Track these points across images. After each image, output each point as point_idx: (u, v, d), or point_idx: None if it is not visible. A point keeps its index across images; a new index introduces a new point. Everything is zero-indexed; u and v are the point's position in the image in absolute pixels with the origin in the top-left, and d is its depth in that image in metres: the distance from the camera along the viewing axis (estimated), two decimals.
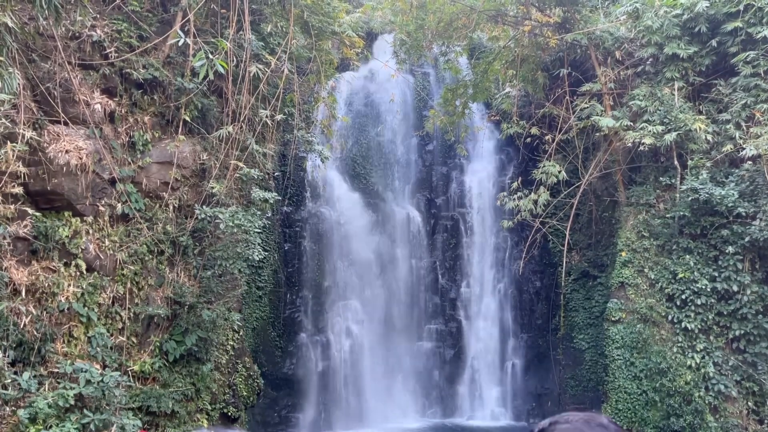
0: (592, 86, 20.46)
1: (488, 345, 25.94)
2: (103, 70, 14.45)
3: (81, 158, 13.34)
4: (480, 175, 27.41)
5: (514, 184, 21.13)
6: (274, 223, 22.94)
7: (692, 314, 17.90)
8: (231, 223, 14.98)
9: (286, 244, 24.56)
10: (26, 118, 12.63)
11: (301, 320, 24.36)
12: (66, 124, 13.51)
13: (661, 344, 18.09)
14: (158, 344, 14.83)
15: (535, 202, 20.18)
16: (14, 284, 12.28)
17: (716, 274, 17.76)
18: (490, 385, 25.66)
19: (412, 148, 27.89)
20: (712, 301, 17.74)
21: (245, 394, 18.26)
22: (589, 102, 20.44)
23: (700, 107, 19.03)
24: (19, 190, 12.58)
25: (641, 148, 18.36)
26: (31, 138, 12.52)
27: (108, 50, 14.49)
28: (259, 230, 16.00)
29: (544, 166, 20.49)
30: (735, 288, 17.41)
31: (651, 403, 18.01)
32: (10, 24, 10.08)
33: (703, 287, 17.71)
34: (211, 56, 12.28)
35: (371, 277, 25.74)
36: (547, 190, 20.23)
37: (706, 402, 17.25)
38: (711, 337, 17.75)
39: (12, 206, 12.45)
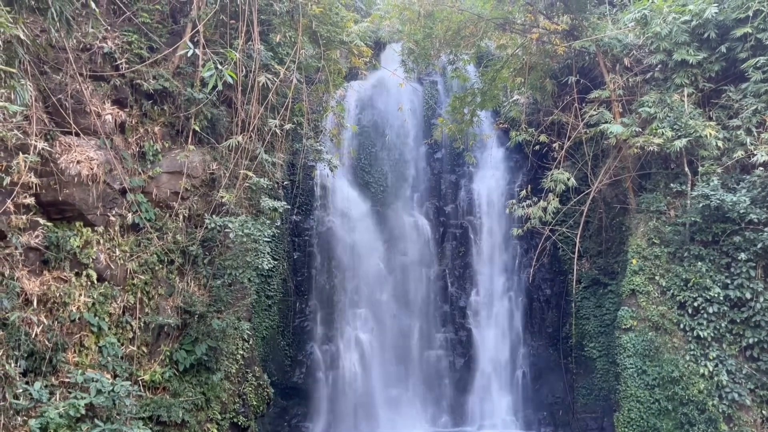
0: (601, 93, 20.41)
1: (498, 353, 25.81)
2: (114, 81, 14.57)
3: (92, 169, 13.43)
4: (489, 182, 27.38)
5: (523, 192, 21.06)
6: (284, 232, 23.01)
7: (705, 322, 17.74)
8: (240, 233, 15.03)
9: (295, 252, 24.60)
10: (38, 129, 12.74)
11: (311, 329, 24.37)
12: (77, 134, 13.61)
13: (674, 352, 17.93)
14: (168, 354, 14.85)
15: (545, 209, 20.10)
16: (26, 294, 12.33)
17: (728, 281, 17.61)
18: (500, 393, 25.51)
19: (420, 157, 27.92)
20: (725, 308, 17.58)
21: (255, 403, 18.24)
22: (597, 109, 20.38)
23: (710, 113, 18.94)
24: (30, 200, 12.66)
25: (651, 147, 18.24)
26: (42, 149, 12.61)
27: (119, 61, 14.63)
28: (269, 239, 16.02)
29: (553, 174, 20.42)
30: (748, 295, 17.25)
31: (664, 412, 17.84)
32: (22, 36, 10.19)
33: (716, 295, 17.57)
34: (220, 67, 12.37)
35: (380, 285, 25.73)
36: (557, 198, 20.14)
37: (720, 411, 17.07)
38: (724, 345, 17.58)
39: (24, 217, 12.53)
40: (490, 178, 27.44)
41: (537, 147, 22.36)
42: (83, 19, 13.84)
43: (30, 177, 12.45)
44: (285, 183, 21.15)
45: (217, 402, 15.74)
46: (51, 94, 13.25)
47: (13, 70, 10.09)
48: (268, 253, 15.97)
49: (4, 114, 11.69)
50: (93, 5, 12.36)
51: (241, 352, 17.47)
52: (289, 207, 20.30)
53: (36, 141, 12.47)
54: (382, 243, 25.96)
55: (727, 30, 18.40)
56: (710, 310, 17.65)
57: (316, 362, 24.05)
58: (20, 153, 12.26)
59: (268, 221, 16.27)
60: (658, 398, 17.96)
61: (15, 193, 12.20)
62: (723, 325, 17.57)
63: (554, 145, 21.65)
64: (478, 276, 26.66)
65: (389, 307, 25.66)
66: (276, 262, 20.39)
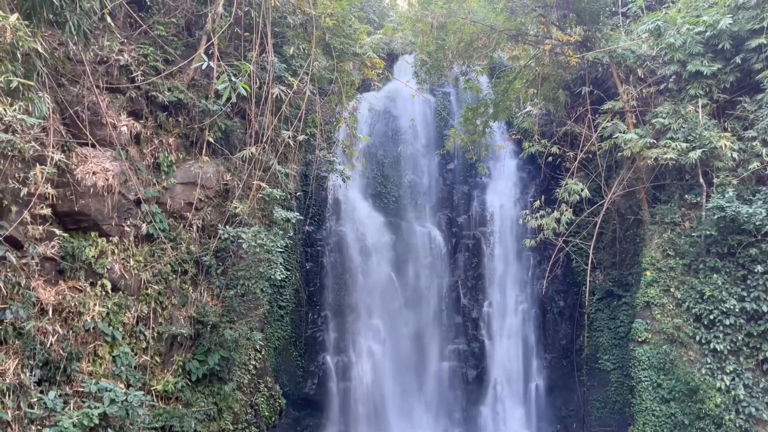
0: (614, 104, 20.34)
1: (511, 365, 25.61)
2: (130, 93, 14.76)
3: (107, 179, 13.59)
4: (501, 193, 27.28)
5: (537, 203, 20.96)
6: (296, 243, 23.05)
7: (721, 335, 17.52)
8: (254, 243, 15.11)
9: (307, 263, 24.63)
10: (55, 141, 12.92)
11: (323, 340, 24.34)
12: (93, 146, 13.79)
13: (689, 365, 17.71)
14: (181, 364, 14.91)
15: (558, 220, 19.99)
16: (41, 304, 12.46)
17: (745, 293, 17.40)
18: (513, 406, 25.30)
19: (433, 168, 27.91)
20: (741, 321, 17.36)
21: (267, 414, 18.23)
22: (611, 120, 20.30)
23: (725, 124, 18.80)
24: (47, 211, 12.82)
25: (667, 160, 18.11)
26: (59, 160, 12.78)
27: (134, 74, 14.83)
28: (281, 250, 16.10)
29: (566, 185, 20.34)
30: (765, 308, 17.02)
31: (680, 426, 17.59)
32: (40, 50, 10.35)
33: (732, 307, 17.36)
34: (234, 79, 12.50)
35: (393, 296, 25.66)
36: (570, 209, 20.05)
37: (737, 425, 16.81)
38: (741, 359, 17.34)
39: (40, 227, 12.68)
40: (502, 189, 27.35)
41: (550, 158, 22.29)
42: (100, 32, 14.05)
43: (47, 188, 12.61)
44: (298, 194, 21.24)
45: (230, 412, 15.75)
46: (68, 106, 13.44)
47: (31, 83, 10.24)
48: (280, 263, 16.04)
49: (22, 126, 11.87)
50: (109, 19, 12.56)
51: (254, 363, 17.50)
52: (302, 218, 20.37)
53: (53, 152, 12.64)
54: (394, 254, 25.92)
55: (742, 41, 18.30)
56: (726, 323, 17.43)
57: (328, 373, 24.00)
58: (37, 164, 12.43)
59: (281, 232, 16.35)
60: (674, 412, 17.73)
61: (32, 203, 12.36)
62: (739, 338, 17.35)
63: (567, 155, 21.57)
64: (491, 287, 26.51)
65: (402, 318, 25.58)
66: (288, 273, 20.43)
